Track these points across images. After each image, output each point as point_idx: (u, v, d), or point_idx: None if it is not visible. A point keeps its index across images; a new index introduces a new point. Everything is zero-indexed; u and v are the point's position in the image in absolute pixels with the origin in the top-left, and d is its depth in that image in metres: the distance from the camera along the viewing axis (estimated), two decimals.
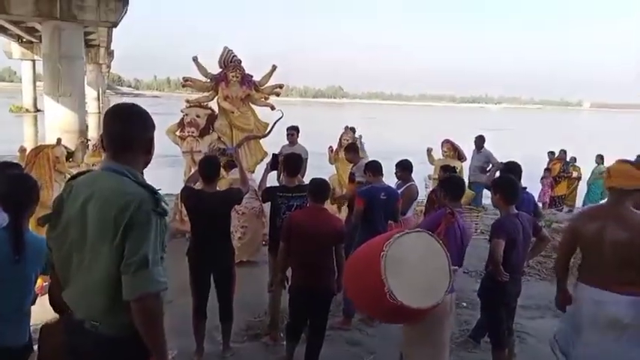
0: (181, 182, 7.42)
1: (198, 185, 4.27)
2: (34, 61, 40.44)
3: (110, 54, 46.85)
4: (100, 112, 45.89)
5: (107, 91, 72.39)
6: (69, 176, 5.93)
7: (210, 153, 6.01)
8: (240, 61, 7.25)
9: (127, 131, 1.91)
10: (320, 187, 3.89)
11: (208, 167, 4.12)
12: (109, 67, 56.57)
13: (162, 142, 7.47)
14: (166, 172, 15.99)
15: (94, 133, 25.71)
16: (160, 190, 1.94)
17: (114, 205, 1.79)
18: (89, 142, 17.35)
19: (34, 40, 33.83)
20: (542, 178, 11.85)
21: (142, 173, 1.98)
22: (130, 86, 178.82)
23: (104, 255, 1.80)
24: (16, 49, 38.98)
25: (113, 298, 1.81)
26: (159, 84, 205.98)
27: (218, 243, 4.04)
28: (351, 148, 6.36)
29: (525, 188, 4.76)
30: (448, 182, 3.68)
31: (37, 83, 38.66)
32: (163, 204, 1.86)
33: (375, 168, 4.88)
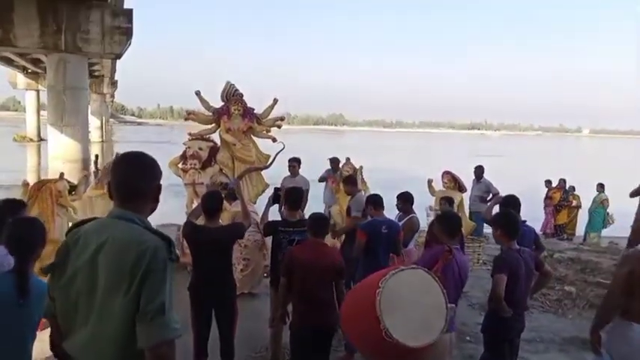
0: (184, 214, 7.47)
1: (201, 220, 4.28)
2: (38, 91, 40.99)
3: (114, 84, 47.48)
4: (103, 141, 46.31)
5: (110, 119, 72.99)
6: (71, 210, 5.99)
7: (212, 187, 6.04)
8: (242, 95, 7.38)
9: (136, 181, 1.93)
10: (319, 222, 3.90)
11: (211, 202, 4.15)
12: (112, 96, 57.27)
13: (164, 172, 7.56)
14: (169, 203, 16.06)
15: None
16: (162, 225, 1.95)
17: (129, 254, 1.79)
18: (92, 173, 17.54)
19: (39, 70, 34.30)
20: (544, 207, 11.87)
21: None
22: (133, 115, 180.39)
23: (118, 304, 1.79)
24: (21, 79, 39.50)
25: (125, 347, 1.79)
26: (162, 112, 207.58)
27: (220, 278, 4.04)
28: (349, 180, 6.35)
29: (525, 221, 4.76)
30: (444, 219, 3.68)
31: (41, 112, 39.02)
32: (176, 250, 1.89)
33: (376, 202, 4.90)
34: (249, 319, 5.23)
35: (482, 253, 8.62)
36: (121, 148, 44.06)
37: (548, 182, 12.39)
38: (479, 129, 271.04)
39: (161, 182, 2.04)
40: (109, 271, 1.81)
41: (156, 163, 2.01)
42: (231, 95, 7.29)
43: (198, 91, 7.32)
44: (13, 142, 42.96)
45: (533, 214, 12.11)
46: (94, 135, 40.73)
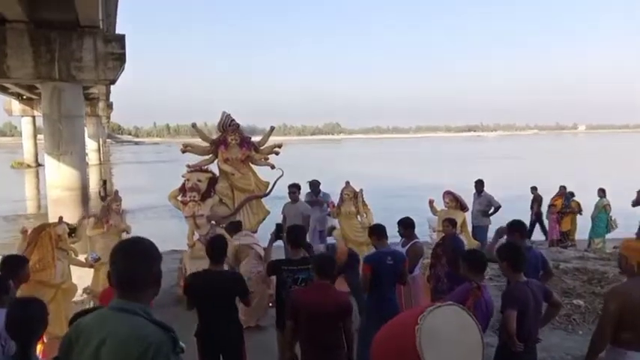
0: (184, 242, 7.44)
1: (205, 265, 4.24)
2: (34, 117, 41.06)
3: (109, 105, 47.60)
4: (100, 164, 46.37)
5: (107, 140, 73.11)
6: (72, 253, 5.94)
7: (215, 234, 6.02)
8: (239, 125, 7.40)
9: (135, 272, 1.90)
10: (325, 263, 3.84)
11: (216, 247, 4.14)
12: (108, 117, 57.32)
13: (167, 192, 7.53)
14: (170, 224, 16.01)
15: (94, 185, 25.88)
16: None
17: (133, 350, 1.75)
18: (100, 198, 17.49)
19: (33, 97, 34.43)
20: (549, 214, 11.83)
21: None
22: (130, 134, 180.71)
23: None
24: (16, 106, 39.64)
25: None
26: (158, 131, 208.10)
27: (226, 325, 3.99)
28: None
29: (531, 247, 4.72)
30: (471, 257, 3.63)
31: (38, 137, 39.11)
32: (181, 343, 1.85)
33: (379, 232, 4.84)
34: (258, 353, 5.15)
35: (488, 269, 8.55)
36: (119, 170, 44.17)
37: (563, 188, 12.31)
38: (475, 131, 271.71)
39: (160, 267, 2.01)
40: None
41: (153, 248, 1.98)
42: (228, 125, 7.30)
43: (194, 124, 7.34)
44: (11, 168, 43.02)
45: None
46: (92, 157, 40.79)
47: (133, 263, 1.91)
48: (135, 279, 1.89)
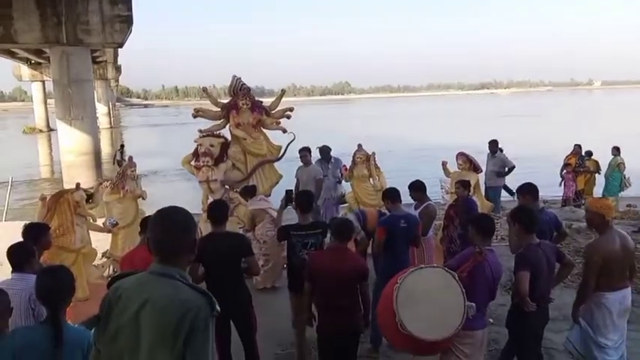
0: (198, 206, 7.54)
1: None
2: (43, 82, 41.00)
3: (117, 69, 47.31)
4: (111, 127, 46.51)
5: (117, 103, 73.03)
6: (90, 219, 6.05)
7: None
8: (250, 89, 7.33)
9: (173, 240, 1.96)
10: (343, 226, 3.88)
11: (215, 210, 4.18)
12: (117, 81, 57.10)
13: (179, 155, 7.54)
14: (183, 187, 16.18)
15: (106, 149, 26.08)
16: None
17: (173, 314, 1.83)
18: (116, 162, 17.61)
19: (42, 61, 34.26)
20: (565, 173, 11.74)
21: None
22: (139, 97, 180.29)
23: None
24: (25, 71, 39.54)
25: None
26: (167, 93, 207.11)
27: (233, 288, 4.00)
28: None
29: (543, 209, 4.71)
30: (480, 222, 3.62)
31: (49, 101, 39.20)
32: (217, 306, 1.92)
33: (393, 196, 4.86)
34: (274, 314, 5.29)
35: (500, 229, 8.60)
36: (130, 134, 44.26)
37: (577, 146, 12.14)
38: (488, 88, 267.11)
39: (196, 235, 2.09)
40: (152, 331, 1.85)
41: (189, 217, 2.05)
42: (239, 90, 7.25)
43: (205, 88, 7.31)
44: (23, 134, 43.33)
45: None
46: (102, 122, 40.85)
47: (171, 232, 1.97)
48: (173, 246, 1.96)
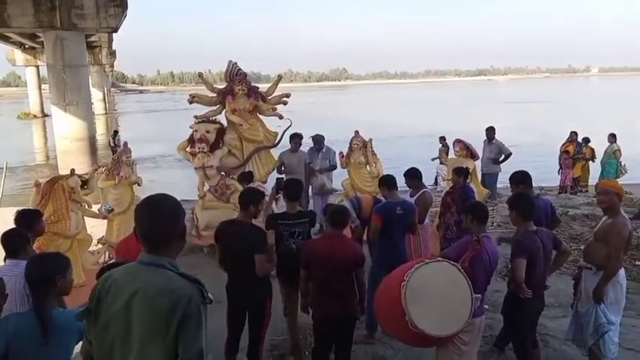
0: (194, 192, 7.52)
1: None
2: (37, 66, 40.61)
3: (112, 54, 46.88)
4: (106, 113, 46.19)
5: (112, 89, 72.48)
6: (85, 205, 6.02)
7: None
8: (246, 75, 7.26)
9: (162, 228, 1.93)
10: (338, 214, 3.87)
11: (245, 195, 4.14)
12: (111, 66, 56.60)
13: (174, 141, 7.50)
14: (178, 173, 16.14)
15: (101, 135, 25.92)
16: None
17: (164, 303, 1.81)
18: (110, 148, 17.51)
19: (36, 46, 33.90)
20: (563, 160, 11.76)
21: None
22: (134, 82, 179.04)
23: (154, 351, 1.83)
24: (19, 56, 39.11)
25: None
26: (162, 79, 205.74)
27: (251, 280, 3.91)
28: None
29: (538, 195, 4.71)
30: (473, 208, 3.63)
31: (43, 87, 38.86)
32: (209, 294, 1.90)
33: (389, 183, 4.85)
34: None
35: (496, 216, 8.63)
36: (125, 120, 44.02)
37: (574, 133, 12.15)
38: (485, 75, 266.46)
39: (184, 221, 2.06)
40: (143, 320, 1.84)
41: (177, 205, 2.02)
42: (235, 75, 7.16)
43: (201, 73, 7.23)
44: (18, 119, 43.05)
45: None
46: (97, 107, 40.52)
47: (159, 221, 1.94)
48: (161, 235, 1.93)
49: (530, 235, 3.66)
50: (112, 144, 18.30)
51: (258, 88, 7.37)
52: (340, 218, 3.85)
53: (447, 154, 12.02)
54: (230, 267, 4.01)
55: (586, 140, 12.06)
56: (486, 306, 5.28)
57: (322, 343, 3.97)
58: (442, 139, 12.29)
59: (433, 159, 12.25)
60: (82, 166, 12.07)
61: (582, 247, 7.10)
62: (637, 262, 6.64)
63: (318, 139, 8.09)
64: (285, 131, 7.52)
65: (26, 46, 36.31)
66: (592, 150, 12.04)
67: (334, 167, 8.01)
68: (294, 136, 7.73)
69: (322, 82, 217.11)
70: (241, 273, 3.94)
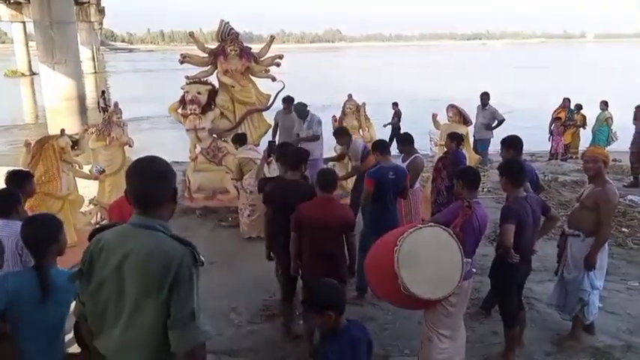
0: (185, 153, 7.47)
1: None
2: (24, 22, 39.48)
3: (101, 11, 45.62)
4: (96, 72, 45.30)
5: (101, 47, 70.86)
6: (76, 165, 5.98)
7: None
8: (238, 34, 7.12)
9: (153, 190, 1.93)
10: (327, 177, 3.89)
11: (294, 156, 4.24)
12: (100, 24, 55.13)
13: (166, 102, 7.40)
14: (170, 134, 15.99)
15: (91, 95, 25.51)
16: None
17: (156, 265, 1.83)
18: (100, 109, 17.25)
19: (22, 0, 32.92)
20: (555, 127, 11.78)
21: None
22: (123, 41, 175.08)
23: (147, 311, 1.85)
24: (4, 11, 37.92)
25: (155, 351, 1.88)
26: (152, 37, 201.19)
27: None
28: (337, 132, 6.16)
29: (525, 160, 4.73)
30: (466, 175, 3.63)
31: (30, 44, 37.88)
32: (201, 256, 1.91)
33: (382, 147, 4.85)
34: (261, 263, 5.35)
35: (486, 181, 8.70)
36: (116, 80, 43.25)
37: (567, 100, 12.15)
38: (480, 39, 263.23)
39: (176, 184, 2.05)
40: (136, 281, 1.85)
41: (168, 167, 2.00)
42: (227, 35, 7.02)
43: (192, 33, 7.08)
44: (5, 77, 42.16)
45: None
46: (86, 66, 39.66)
47: (150, 183, 1.93)
48: (151, 197, 1.93)
49: (519, 201, 3.69)
50: (101, 104, 18.03)
51: (250, 48, 7.25)
52: (329, 181, 3.86)
53: (399, 120, 12.19)
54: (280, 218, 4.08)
55: (578, 107, 12.05)
56: (474, 269, 5.40)
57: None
58: (395, 104, 12.74)
59: (385, 125, 12.41)
60: (72, 126, 11.93)
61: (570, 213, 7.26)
62: (623, 229, 6.76)
63: (300, 109, 7.40)
64: (278, 94, 7.43)
65: (11, 1, 35.24)
66: (584, 117, 12.05)
67: (317, 137, 7.34)
68: (287, 100, 7.56)
69: (316, 44, 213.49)
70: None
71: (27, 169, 4.55)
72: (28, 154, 5.46)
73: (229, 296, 4.95)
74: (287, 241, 3.97)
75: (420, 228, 3.21)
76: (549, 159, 11.64)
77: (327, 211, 3.76)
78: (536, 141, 12.22)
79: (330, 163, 7.50)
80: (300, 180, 4.21)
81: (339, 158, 6.90)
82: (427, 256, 3.18)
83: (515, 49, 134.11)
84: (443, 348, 3.45)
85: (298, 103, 7.46)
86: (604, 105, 11.70)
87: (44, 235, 2.42)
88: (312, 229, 3.75)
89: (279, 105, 7.62)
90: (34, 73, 38.23)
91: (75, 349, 2.57)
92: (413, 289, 3.10)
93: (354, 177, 6.37)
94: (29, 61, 42.18)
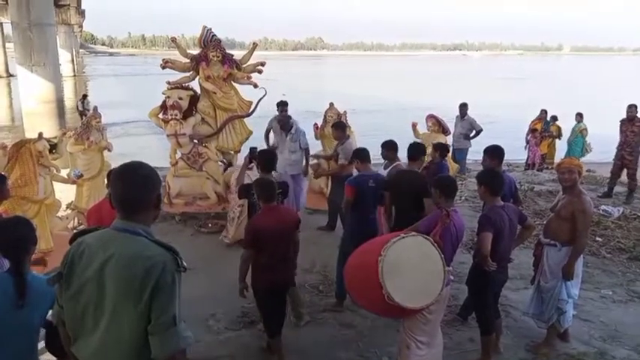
0: (165, 159, 7.42)
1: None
2: (1, 24, 38.82)
3: (81, 13, 45.06)
4: (75, 75, 44.64)
5: (80, 50, 69.94)
6: (54, 169, 5.89)
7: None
8: (220, 41, 7.12)
9: (139, 196, 1.93)
10: (265, 188, 3.88)
11: (416, 149, 4.72)
12: (80, 26, 54.48)
13: (146, 107, 7.34)
14: (150, 140, 15.83)
15: (70, 98, 25.12)
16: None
17: (138, 269, 1.81)
18: (79, 113, 16.97)
19: (0, 1, 32.32)
20: (531, 138, 12.00)
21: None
22: (104, 44, 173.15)
23: (127, 316, 1.83)
24: None
25: (135, 357, 1.86)
26: (133, 41, 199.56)
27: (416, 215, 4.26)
28: (338, 125, 6.43)
29: (505, 171, 4.82)
30: (442, 183, 3.69)
31: (8, 45, 37.16)
32: (183, 262, 1.90)
33: (363, 156, 4.89)
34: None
35: (464, 190, 8.82)
36: (95, 84, 42.71)
37: (544, 112, 12.40)
38: (460, 49, 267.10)
39: (160, 190, 2.05)
40: (117, 286, 1.83)
41: (154, 172, 2.00)
42: (209, 41, 7.01)
43: (174, 38, 7.05)
44: None
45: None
46: (65, 69, 39.04)
47: (136, 188, 1.93)
48: (137, 202, 1.92)
49: (497, 210, 3.76)
50: (80, 108, 17.79)
51: (232, 55, 7.25)
52: (269, 192, 3.86)
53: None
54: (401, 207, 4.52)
55: (554, 118, 12.32)
56: (452, 277, 5.47)
57: (273, 317, 3.99)
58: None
59: None
60: (50, 130, 11.75)
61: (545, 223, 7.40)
62: (597, 238, 6.91)
63: (284, 121, 6.95)
64: (259, 100, 7.42)
65: None
66: (559, 128, 12.34)
67: (308, 151, 7.00)
68: (281, 104, 7.39)
69: (298, 51, 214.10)
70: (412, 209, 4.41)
71: (2, 173, 4.47)
72: (4, 156, 5.37)
73: (208, 302, 4.92)
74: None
75: (403, 237, 3.23)
76: (526, 169, 11.87)
77: (280, 218, 3.81)
78: (512, 151, 12.45)
79: (315, 161, 7.51)
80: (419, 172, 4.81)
81: (329, 158, 7.01)
82: (411, 266, 3.20)
83: (493, 60, 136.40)
84: (420, 355, 3.48)
85: (281, 114, 7.21)
86: (579, 117, 12.00)
87: (21, 237, 2.38)
88: (272, 236, 3.74)
89: (262, 112, 7.59)
90: (11, 75, 37.53)
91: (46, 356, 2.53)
92: (397, 299, 3.11)
93: (332, 183, 6.49)
94: (6, 62, 41.40)
